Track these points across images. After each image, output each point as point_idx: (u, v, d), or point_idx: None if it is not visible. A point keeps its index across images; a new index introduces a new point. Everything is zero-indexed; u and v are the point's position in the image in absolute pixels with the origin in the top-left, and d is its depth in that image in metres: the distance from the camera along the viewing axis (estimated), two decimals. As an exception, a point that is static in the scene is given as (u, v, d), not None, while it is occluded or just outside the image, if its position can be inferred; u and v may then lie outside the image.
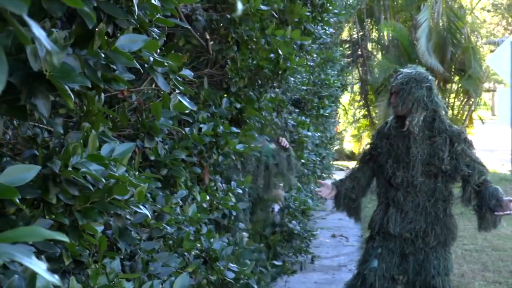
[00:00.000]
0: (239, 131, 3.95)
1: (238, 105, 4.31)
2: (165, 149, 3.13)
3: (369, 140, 5.70)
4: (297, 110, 7.38)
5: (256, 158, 5.16)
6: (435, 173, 5.01)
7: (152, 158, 3.05)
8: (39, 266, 0.87)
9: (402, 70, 5.22)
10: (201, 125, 3.54)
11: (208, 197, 3.53)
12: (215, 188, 3.76)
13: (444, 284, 5.05)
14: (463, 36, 18.85)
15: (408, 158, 5.01)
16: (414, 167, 5.01)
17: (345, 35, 21.63)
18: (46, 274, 0.87)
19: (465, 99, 19.82)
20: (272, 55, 4.31)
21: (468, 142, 5.07)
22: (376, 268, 5.10)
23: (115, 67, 1.88)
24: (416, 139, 4.97)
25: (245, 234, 5.06)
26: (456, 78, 19.59)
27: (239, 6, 2.33)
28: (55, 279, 0.89)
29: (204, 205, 3.45)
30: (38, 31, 1.18)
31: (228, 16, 3.94)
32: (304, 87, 6.80)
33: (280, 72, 4.40)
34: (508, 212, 4.85)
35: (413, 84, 4.99)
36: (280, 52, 4.30)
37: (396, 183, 5.08)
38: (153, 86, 2.78)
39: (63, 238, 0.90)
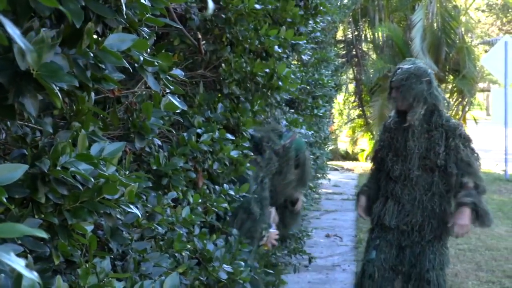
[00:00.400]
0: (234, 138, 3.96)
1: (234, 113, 4.30)
2: (165, 157, 3.14)
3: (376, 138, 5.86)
4: (292, 110, 7.38)
5: (282, 156, 4.96)
6: (431, 167, 5.10)
7: (154, 167, 3.05)
8: (18, 263, 0.87)
9: (401, 65, 5.29)
10: (198, 130, 3.55)
11: (200, 200, 3.53)
12: (208, 191, 3.76)
13: (438, 279, 5.12)
14: (457, 36, 18.89)
15: (406, 151, 5.12)
16: (411, 161, 5.13)
17: (339, 35, 21.65)
18: (24, 271, 0.87)
19: (459, 99, 19.86)
20: (267, 70, 4.31)
21: (464, 138, 5.14)
22: (374, 259, 5.18)
23: (104, 67, 1.88)
24: (414, 133, 5.09)
25: (274, 230, 4.99)
26: (451, 78, 19.64)
27: (210, 5, 2.33)
28: (33, 275, 0.89)
29: (200, 208, 3.44)
30: (12, 29, 1.18)
31: (223, 16, 3.94)
32: (298, 86, 6.78)
33: (271, 88, 4.42)
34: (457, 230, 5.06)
35: (413, 80, 5.09)
36: (277, 70, 4.32)
37: (395, 176, 5.22)
38: (147, 86, 2.78)
39: (42, 234, 0.90)
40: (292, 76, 4.86)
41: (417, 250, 5.17)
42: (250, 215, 4.47)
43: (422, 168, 5.11)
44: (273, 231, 4.92)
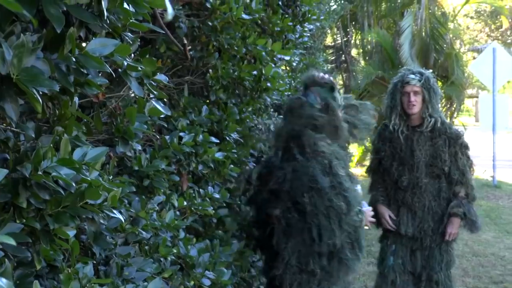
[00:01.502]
0: (218, 141, 3.96)
1: (219, 117, 4.29)
2: (147, 159, 3.14)
3: (371, 146, 5.75)
4: (280, 116, 7.39)
5: (330, 118, 4.11)
6: (438, 173, 5.16)
7: (136, 168, 3.05)
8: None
9: (412, 70, 5.27)
10: (181, 134, 3.55)
11: (185, 203, 3.53)
12: (193, 195, 3.75)
13: (445, 279, 5.34)
14: (446, 43, 18.93)
15: (413, 160, 5.17)
16: (418, 169, 5.18)
17: (329, 40, 21.68)
18: (-9, 277, 0.87)
19: (448, 105, 19.91)
20: (255, 72, 4.32)
21: (464, 146, 5.23)
22: (393, 264, 5.29)
23: (87, 71, 1.88)
24: (419, 141, 5.12)
25: (366, 208, 4.37)
26: (439, 84, 19.64)
27: (169, 10, 2.33)
28: (1, 282, 0.89)
29: (178, 212, 3.43)
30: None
31: (210, 23, 3.95)
32: (286, 93, 6.79)
33: (259, 90, 4.42)
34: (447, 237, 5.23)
35: (436, 84, 5.12)
36: (264, 72, 4.32)
37: (404, 185, 5.26)
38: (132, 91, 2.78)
39: (10, 241, 0.90)
40: (280, 82, 4.87)
41: (426, 253, 5.30)
42: (339, 210, 3.98)
43: (429, 176, 5.17)
44: (366, 209, 4.52)
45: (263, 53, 4.35)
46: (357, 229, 4.13)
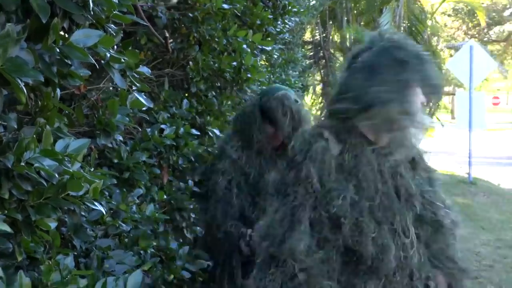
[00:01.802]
0: (199, 133, 3.95)
1: (199, 108, 4.28)
2: (127, 151, 3.13)
3: None
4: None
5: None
6: None
7: (116, 161, 3.04)
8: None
9: None
10: (162, 126, 3.54)
11: (165, 197, 3.53)
12: (174, 189, 3.75)
13: None
14: (424, 40, 19.02)
15: None
16: None
17: (307, 36, 21.69)
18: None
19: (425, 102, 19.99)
20: (234, 63, 4.30)
21: None
22: None
23: (70, 62, 1.87)
24: None
25: None
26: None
27: None
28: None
29: (157, 205, 3.43)
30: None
31: (191, 15, 3.94)
32: (265, 87, 6.80)
33: (240, 81, 4.39)
34: None
35: None
36: (244, 62, 4.30)
37: None
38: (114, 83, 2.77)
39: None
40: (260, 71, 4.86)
41: None
42: None
43: None
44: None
45: (244, 45, 4.34)
46: None
